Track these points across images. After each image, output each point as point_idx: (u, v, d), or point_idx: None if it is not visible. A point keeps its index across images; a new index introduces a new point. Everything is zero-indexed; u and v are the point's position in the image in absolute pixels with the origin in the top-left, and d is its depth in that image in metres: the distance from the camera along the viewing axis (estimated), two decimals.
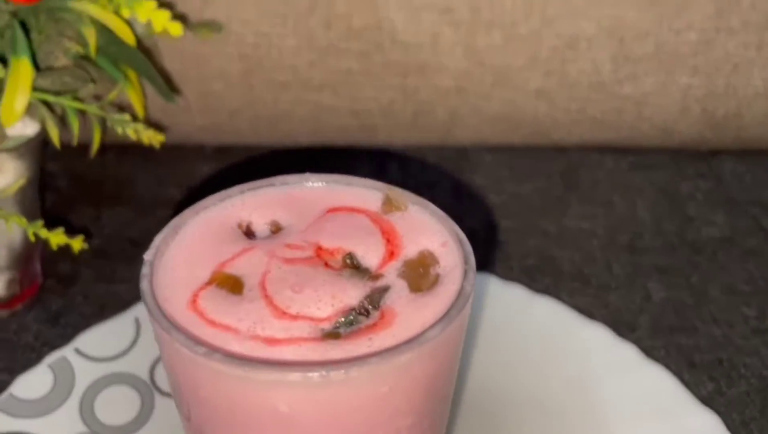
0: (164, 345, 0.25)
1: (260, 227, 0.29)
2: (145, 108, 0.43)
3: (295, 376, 0.23)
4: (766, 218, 0.54)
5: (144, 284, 0.26)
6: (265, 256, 0.27)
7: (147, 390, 0.37)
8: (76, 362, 0.37)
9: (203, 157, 0.56)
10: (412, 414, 0.26)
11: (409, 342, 0.24)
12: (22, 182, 0.38)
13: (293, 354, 0.24)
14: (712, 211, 0.54)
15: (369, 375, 0.23)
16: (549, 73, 0.55)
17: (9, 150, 0.38)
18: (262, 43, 0.52)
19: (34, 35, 0.38)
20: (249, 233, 0.29)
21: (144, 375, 0.38)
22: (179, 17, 0.46)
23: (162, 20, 0.37)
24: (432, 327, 0.25)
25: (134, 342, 0.39)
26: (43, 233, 0.36)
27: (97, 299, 0.45)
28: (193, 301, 0.26)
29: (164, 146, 0.47)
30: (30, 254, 0.44)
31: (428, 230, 0.29)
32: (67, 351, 0.38)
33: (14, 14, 0.36)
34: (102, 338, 0.39)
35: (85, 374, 0.37)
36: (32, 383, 0.36)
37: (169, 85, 0.44)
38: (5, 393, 0.36)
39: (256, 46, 0.52)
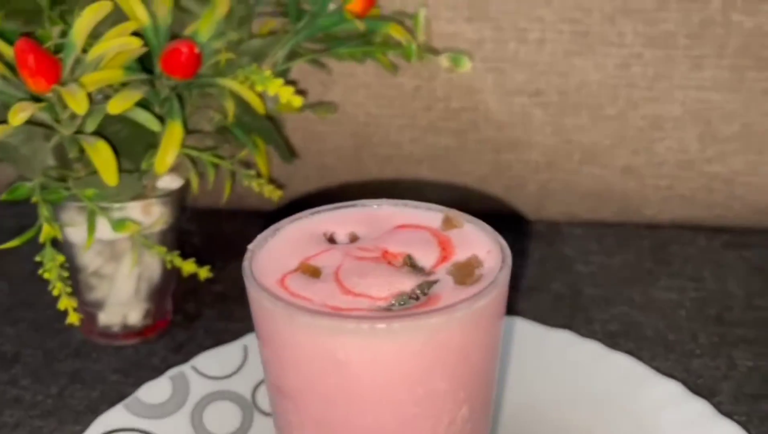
0: (255, 303, 0.28)
1: (341, 236, 0.31)
2: (269, 170, 0.43)
3: (350, 325, 0.25)
4: None
5: (246, 264, 0.29)
6: (341, 254, 0.29)
7: (248, 408, 0.38)
8: (192, 377, 0.39)
9: None
10: (446, 379, 0.26)
11: (439, 310, 0.26)
12: (164, 222, 0.41)
13: None
14: None
15: (406, 329, 0.25)
16: (636, 152, 0.50)
17: (157, 198, 0.41)
18: (371, 122, 0.51)
19: (186, 105, 0.39)
20: (331, 240, 0.31)
21: (247, 394, 0.38)
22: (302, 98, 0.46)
23: (287, 94, 0.38)
24: (462, 301, 0.26)
25: (241, 366, 0.40)
26: (177, 261, 0.37)
27: (216, 334, 0.45)
28: (282, 280, 0.28)
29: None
30: (164, 290, 0.46)
31: (478, 241, 0.29)
32: (185, 368, 0.39)
33: (173, 88, 0.39)
34: (215, 360, 0.40)
35: (199, 388, 0.38)
36: (155, 390, 0.38)
37: (288, 151, 0.44)
38: (132, 396, 0.37)
39: (366, 125, 0.51)
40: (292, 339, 0.26)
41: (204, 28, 0.40)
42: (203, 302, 0.49)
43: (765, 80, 0.49)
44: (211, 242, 0.56)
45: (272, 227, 0.31)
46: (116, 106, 0.36)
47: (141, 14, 0.38)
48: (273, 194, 0.43)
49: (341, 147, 0.54)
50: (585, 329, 0.45)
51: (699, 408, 0.35)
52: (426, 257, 0.28)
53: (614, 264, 0.51)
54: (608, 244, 0.53)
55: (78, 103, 0.33)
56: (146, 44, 0.39)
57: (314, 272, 0.28)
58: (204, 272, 0.40)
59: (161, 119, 0.39)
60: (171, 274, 0.46)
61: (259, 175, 0.42)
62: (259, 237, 0.30)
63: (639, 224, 0.54)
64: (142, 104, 0.38)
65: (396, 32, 0.41)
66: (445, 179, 0.54)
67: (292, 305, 0.26)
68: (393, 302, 0.26)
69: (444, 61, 0.43)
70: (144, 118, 0.36)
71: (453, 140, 0.53)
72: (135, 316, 0.45)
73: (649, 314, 0.46)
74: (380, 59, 0.43)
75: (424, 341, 0.24)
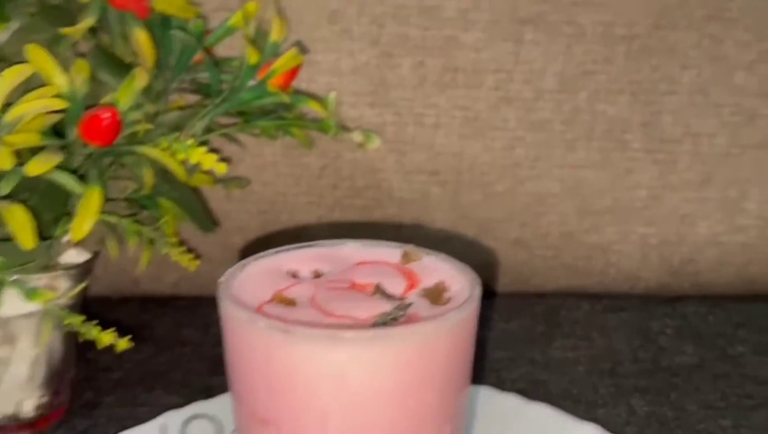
0: (241, 328, 0.27)
1: (305, 273, 0.31)
2: (178, 241, 0.43)
3: (350, 334, 0.25)
4: (731, 347, 0.50)
5: (222, 295, 0.29)
6: (312, 286, 0.29)
7: None
8: None
9: (215, 306, 0.53)
10: (435, 391, 0.27)
11: (432, 318, 0.27)
12: (69, 297, 0.38)
13: None
14: (682, 343, 0.51)
15: (403, 336, 0.26)
16: (524, 225, 0.54)
17: (64, 271, 0.39)
18: (279, 200, 0.51)
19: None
20: (295, 277, 0.31)
21: None
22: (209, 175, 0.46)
23: (210, 162, 0.37)
24: (447, 313, 0.27)
25: None
26: (94, 332, 0.34)
27: (120, 421, 0.42)
28: (259, 308, 0.28)
29: (182, 297, 0.45)
30: (63, 376, 0.42)
31: (440, 269, 0.31)
32: None
33: (88, 156, 0.38)
34: None
35: None
36: None
37: (209, 221, 0.43)
38: None
39: (274, 203, 0.51)
40: (288, 359, 0.25)
41: (123, 97, 0.40)
42: (102, 389, 0.46)
43: (627, 160, 0.56)
44: (104, 328, 0.53)
45: (237, 265, 0.31)
46: (35, 168, 0.34)
47: (59, 80, 0.37)
48: (190, 264, 0.42)
49: (248, 226, 0.54)
50: (498, 388, 0.46)
51: None
52: (394, 286, 0.29)
53: (513, 329, 0.54)
54: (505, 312, 0.56)
55: (2, 160, 0.31)
56: (62, 110, 0.38)
57: (290, 302, 0.28)
58: (124, 343, 0.37)
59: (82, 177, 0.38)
60: (70, 357, 0.43)
61: (180, 243, 0.41)
62: (228, 272, 0.30)
63: (528, 293, 0.58)
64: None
65: (316, 107, 0.43)
66: None
67: (289, 322, 0.25)
68: (376, 321, 0.27)
69: (357, 136, 0.46)
70: (65, 180, 0.35)
71: (358, 217, 0.55)
72: (29, 405, 0.41)
73: (552, 372, 0.49)
74: (296, 134, 0.45)
75: (419, 348, 0.25)
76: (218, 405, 0.40)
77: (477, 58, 0.53)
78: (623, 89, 0.54)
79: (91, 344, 0.45)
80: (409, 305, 0.28)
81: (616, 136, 0.55)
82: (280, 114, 0.45)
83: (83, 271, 0.41)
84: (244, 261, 0.31)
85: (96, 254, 0.42)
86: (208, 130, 0.44)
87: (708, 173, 0.56)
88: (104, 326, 0.53)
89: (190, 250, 0.43)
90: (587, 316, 0.56)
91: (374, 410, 0.25)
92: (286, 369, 0.25)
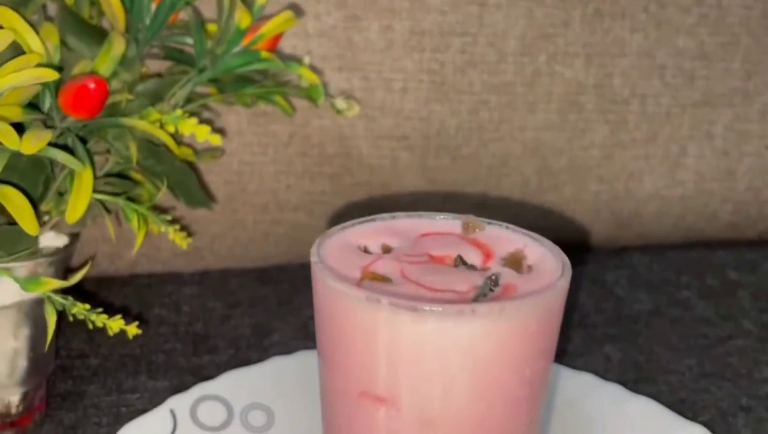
0: (353, 306, 0.27)
1: (374, 248, 0.31)
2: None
3: (481, 309, 0.26)
4: (678, 294, 0.55)
5: (319, 270, 0.28)
6: (394, 262, 0.29)
7: None
8: None
9: (183, 281, 0.52)
10: (545, 358, 0.28)
11: (547, 287, 0.27)
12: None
13: None
14: (636, 292, 0.55)
15: (529, 309, 0.26)
16: (489, 187, 0.56)
17: (45, 258, 0.36)
18: (245, 170, 0.50)
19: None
20: (366, 252, 0.31)
21: None
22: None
23: (204, 133, 0.35)
24: (556, 282, 0.28)
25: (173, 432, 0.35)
26: (102, 319, 0.32)
27: (110, 409, 0.39)
28: (358, 285, 0.28)
29: (143, 275, 0.44)
30: (44, 369, 0.40)
31: (508, 239, 0.31)
32: None
33: (68, 129, 0.35)
34: (142, 431, 0.35)
35: None
36: None
37: (202, 196, 0.41)
38: None
39: (240, 174, 0.50)
40: (415, 336, 0.25)
41: (102, 66, 0.37)
42: (82, 378, 0.44)
43: (582, 120, 0.59)
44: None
45: (317, 243, 0.30)
46: (29, 145, 0.31)
47: (36, 46, 0.34)
48: (183, 243, 0.40)
49: (213, 197, 0.52)
50: None
51: None
52: (471, 257, 0.29)
53: None
54: None
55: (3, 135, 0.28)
56: None
57: (384, 279, 0.27)
58: (133, 329, 0.36)
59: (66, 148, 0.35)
60: (51, 350, 0.40)
61: (174, 220, 0.39)
62: (313, 249, 0.30)
63: None
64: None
65: (306, 74, 0.42)
66: (321, 224, 0.55)
67: (417, 299, 0.25)
68: (477, 293, 0.27)
69: (340, 103, 0.45)
70: (63, 157, 0.33)
71: (328, 184, 0.54)
72: (10, 403, 0.38)
73: None
74: (279, 102, 0.44)
75: (541, 318, 0.26)
76: (224, 385, 0.39)
77: (443, 21, 0.54)
78: (579, 52, 0.57)
79: (60, 331, 0.42)
80: (499, 275, 0.29)
81: (571, 98, 0.58)
82: (261, 82, 0.43)
83: (64, 256, 0.39)
84: (319, 240, 0.31)
85: (76, 237, 0.40)
86: (188, 99, 0.42)
87: (653, 131, 0.60)
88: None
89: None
90: None
91: (496, 378, 0.26)
92: (413, 345, 0.25)
